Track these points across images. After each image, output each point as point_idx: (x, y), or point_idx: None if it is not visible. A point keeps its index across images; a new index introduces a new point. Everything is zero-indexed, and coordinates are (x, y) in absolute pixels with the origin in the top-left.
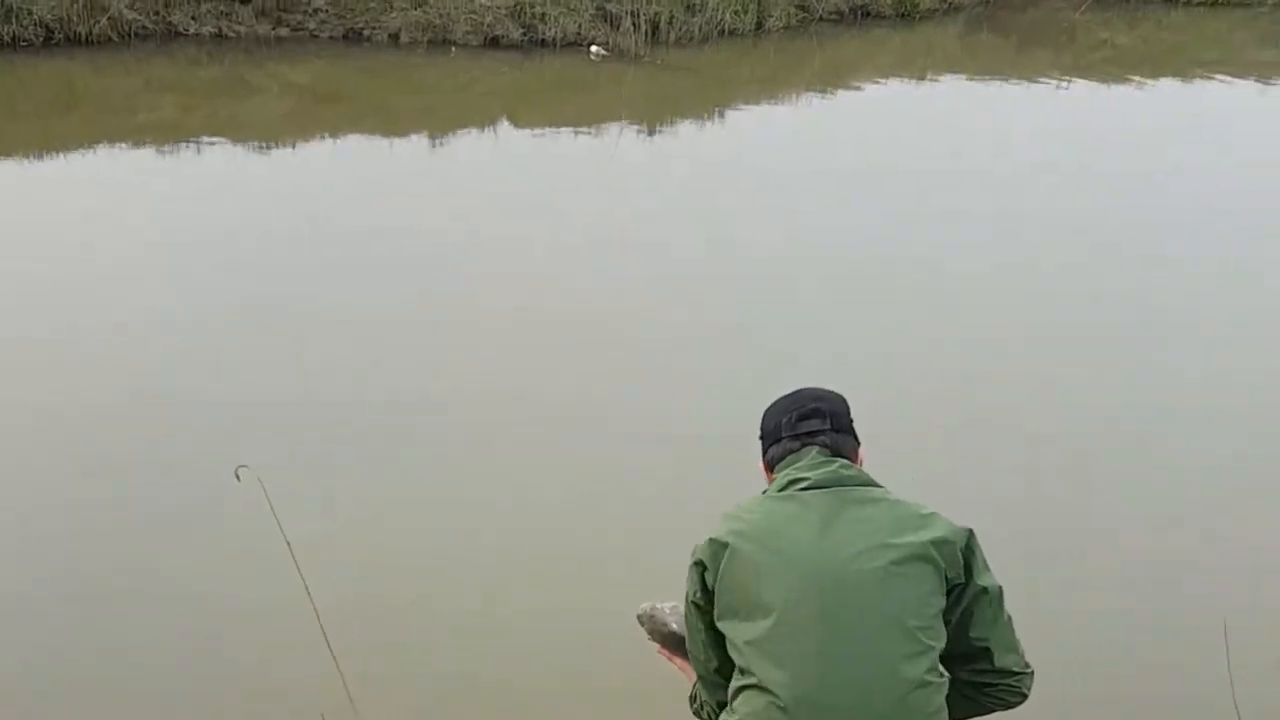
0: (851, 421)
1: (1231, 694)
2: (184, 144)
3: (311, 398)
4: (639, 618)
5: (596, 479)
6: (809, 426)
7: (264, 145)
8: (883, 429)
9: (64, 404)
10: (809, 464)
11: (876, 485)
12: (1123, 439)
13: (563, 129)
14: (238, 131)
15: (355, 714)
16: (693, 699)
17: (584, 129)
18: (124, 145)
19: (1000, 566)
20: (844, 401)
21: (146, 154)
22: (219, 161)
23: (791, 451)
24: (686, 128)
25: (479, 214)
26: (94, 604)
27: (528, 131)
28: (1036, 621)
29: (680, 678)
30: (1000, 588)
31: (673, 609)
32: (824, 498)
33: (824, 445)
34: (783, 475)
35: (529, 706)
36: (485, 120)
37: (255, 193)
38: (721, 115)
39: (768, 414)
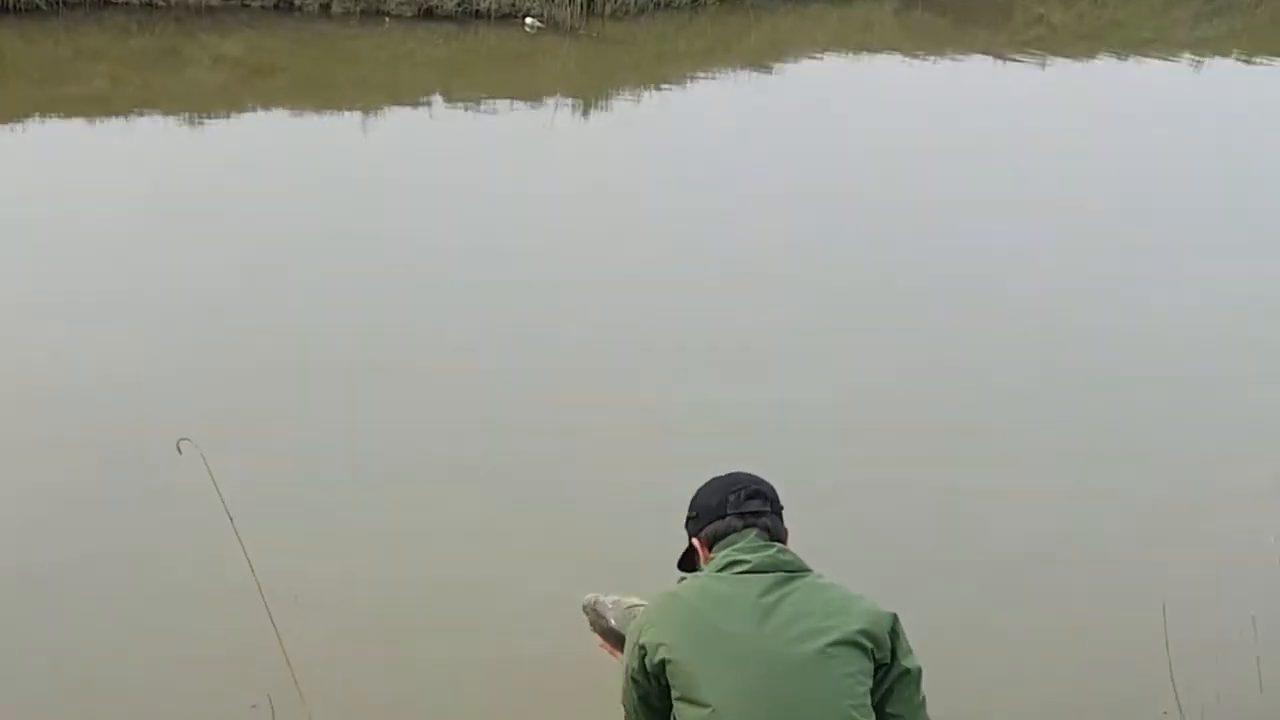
0: (782, 509)
1: (1170, 675)
2: (115, 117)
3: (258, 372)
4: (583, 607)
5: (561, 461)
6: (753, 506)
7: (196, 119)
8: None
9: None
10: (749, 546)
11: (809, 570)
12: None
13: (499, 102)
14: (170, 104)
15: (300, 695)
16: None
17: (520, 102)
18: (54, 117)
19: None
20: (774, 489)
21: (77, 127)
22: (150, 136)
23: (735, 530)
24: (623, 102)
25: (414, 188)
26: (32, 583)
27: (463, 104)
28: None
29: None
30: (920, 669)
31: (614, 603)
32: (762, 582)
33: (764, 528)
34: (722, 555)
35: (479, 690)
36: (420, 93)
37: (189, 168)
38: (658, 89)
39: (706, 492)
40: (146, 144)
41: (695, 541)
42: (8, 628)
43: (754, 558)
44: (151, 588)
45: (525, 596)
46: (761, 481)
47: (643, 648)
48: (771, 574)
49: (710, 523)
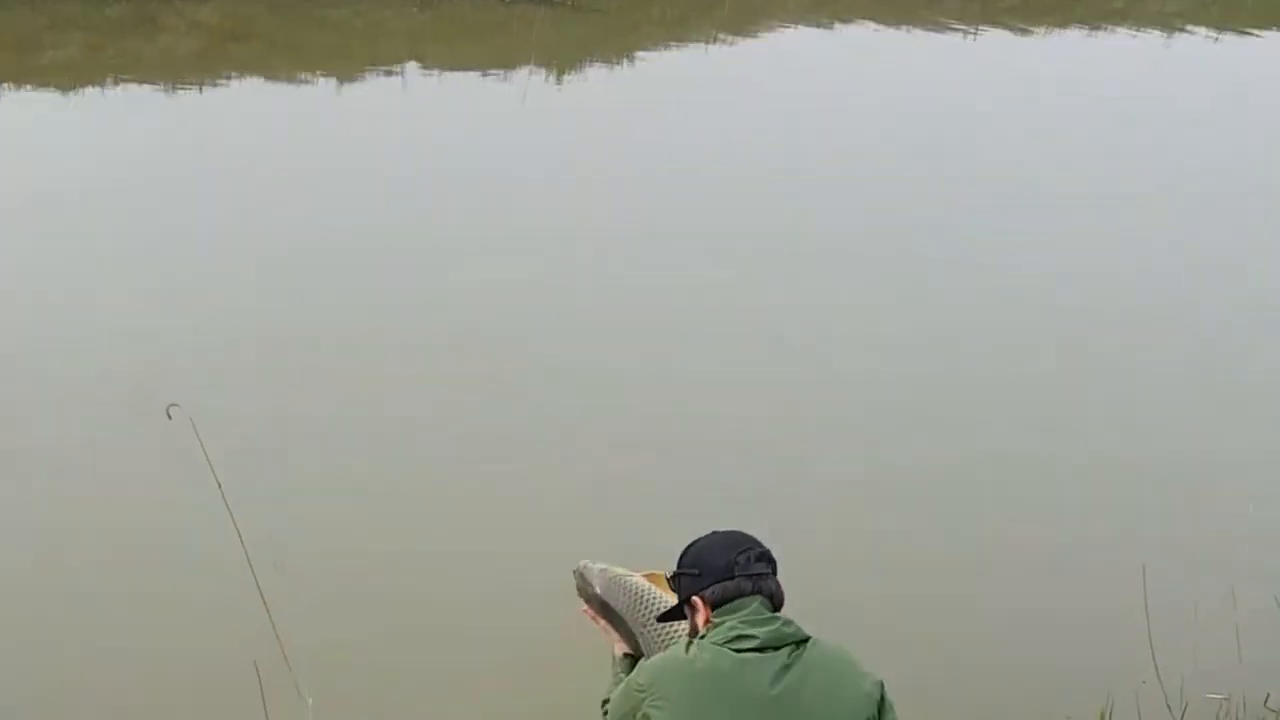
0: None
1: (1149, 645)
2: (91, 85)
3: (249, 340)
4: (574, 571)
5: (555, 431)
6: (759, 569)
7: (171, 86)
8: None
9: None
10: (754, 619)
11: (809, 637)
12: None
13: (472, 72)
14: (146, 72)
15: (286, 662)
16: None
17: (494, 72)
18: (29, 86)
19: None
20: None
21: (52, 95)
22: (126, 103)
23: (745, 593)
24: (597, 72)
25: (387, 160)
26: (19, 550)
27: (437, 74)
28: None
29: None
30: None
31: (601, 572)
32: (770, 666)
33: (768, 594)
34: (728, 626)
35: (466, 657)
36: (394, 61)
37: (166, 134)
38: (631, 60)
39: (709, 550)
40: (122, 111)
41: (698, 600)
42: None
43: (760, 633)
44: (138, 555)
45: (513, 566)
46: (761, 543)
47: (647, 716)
48: (777, 651)
49: (717, 582)
